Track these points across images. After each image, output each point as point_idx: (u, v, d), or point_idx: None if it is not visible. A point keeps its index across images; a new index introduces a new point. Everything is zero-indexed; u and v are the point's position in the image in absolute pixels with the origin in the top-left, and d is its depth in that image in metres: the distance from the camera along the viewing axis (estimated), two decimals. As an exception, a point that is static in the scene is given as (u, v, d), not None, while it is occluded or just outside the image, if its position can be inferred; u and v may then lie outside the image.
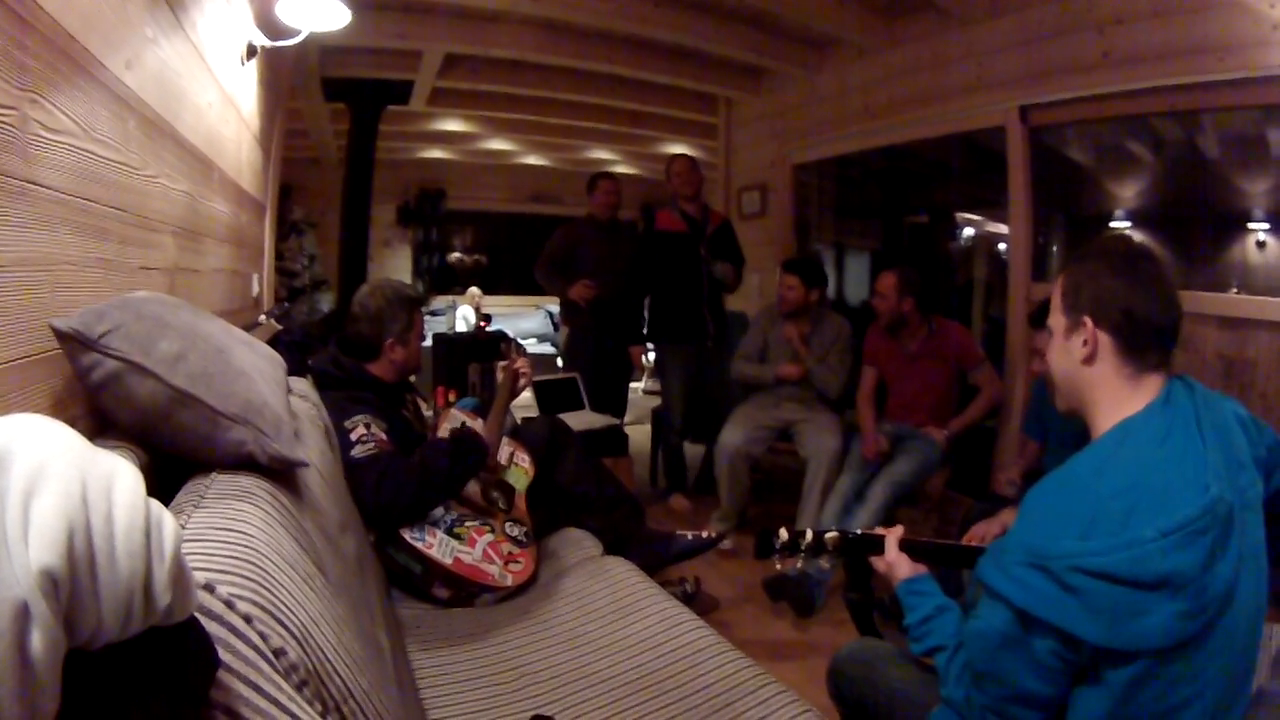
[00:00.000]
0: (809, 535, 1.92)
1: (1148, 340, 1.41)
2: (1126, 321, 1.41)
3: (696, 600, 3.56)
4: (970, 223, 6.99)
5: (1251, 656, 1.35)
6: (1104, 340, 1.44)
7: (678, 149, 8.55)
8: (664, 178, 5.35)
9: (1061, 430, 3.30)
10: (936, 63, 4.81)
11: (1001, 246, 5.32)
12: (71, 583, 0.59)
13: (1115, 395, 1.44)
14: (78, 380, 1.41)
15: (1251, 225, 3.97)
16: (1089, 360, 1.46)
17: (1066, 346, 1.51)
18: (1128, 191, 4.65)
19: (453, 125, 8.14)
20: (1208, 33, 3.32)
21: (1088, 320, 1.45)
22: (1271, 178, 3.85)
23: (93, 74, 1.52)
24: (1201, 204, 4.28)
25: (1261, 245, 3.93)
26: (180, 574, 0.73)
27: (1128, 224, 4.62)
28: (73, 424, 0.70)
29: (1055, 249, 4.86)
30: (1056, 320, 1.54)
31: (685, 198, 5.20)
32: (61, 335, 1.35)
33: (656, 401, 5.78)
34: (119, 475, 0.68)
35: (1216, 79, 3.35)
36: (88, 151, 1.49)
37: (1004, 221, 4.68)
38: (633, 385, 6.35)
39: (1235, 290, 3.78)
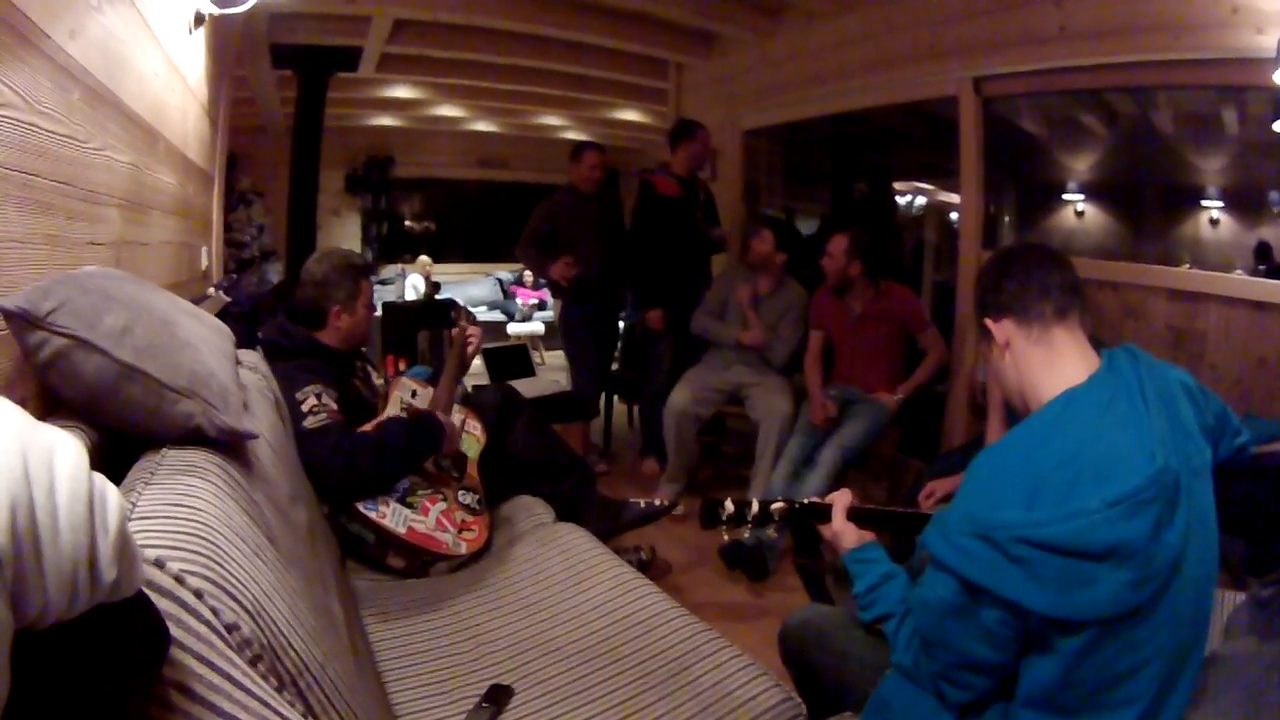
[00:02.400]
0: (754, 506, 1.92)
1: (1030, 296, 1.49)
2: (1008, 297, 1.52)
3: (651, 567, 3.57)
4: (920, 190, 7.03)
5: (1202, 622, 1.36)
6: (1005, 325, 1.52)
7: (628, 114, 8.56)
8: (672, 139, 5.27)
9: None
10: (890, 30, 4.78)
11: (953, 215, 5.36)
12: (15, 560, 0.58)
13: (1039, 362, 1.48)
14: (25, 360, 1.38)
15: (1205, 203, 4.02)
16: (1006, 349, 1.53)
17: (997, 361, 1.58)
18: (1080, 164, 4.69)
19: (401, 92, 8.04)
20: (1166, 11, 3.31)
21: (987, 321, 1.55)
22: (1225, 157, 3.90)
23: (35, 44, 1.48)
24: (1154, 179, 4.32)
25: (1215, 223, 3.99)
26: (125, 547, 0.72)
27: (1080, 196, 4.66)
28: (22, 405, 0.68)
29: (1006, 218, 4.91)
30: (986, 350, 1.62)
31: (693, 167, 5.21)
32: (8, 315, 1.32)
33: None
34: (60, 448, 0.67)
35: (1174, 58, 3.36)
36: (31, 125, 1.45)
37: (955, 190, 4.71)
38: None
39: (1188, 265, 3.84)
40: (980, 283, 1.60)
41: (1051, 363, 1.45)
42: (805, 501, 1.93)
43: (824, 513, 1.86)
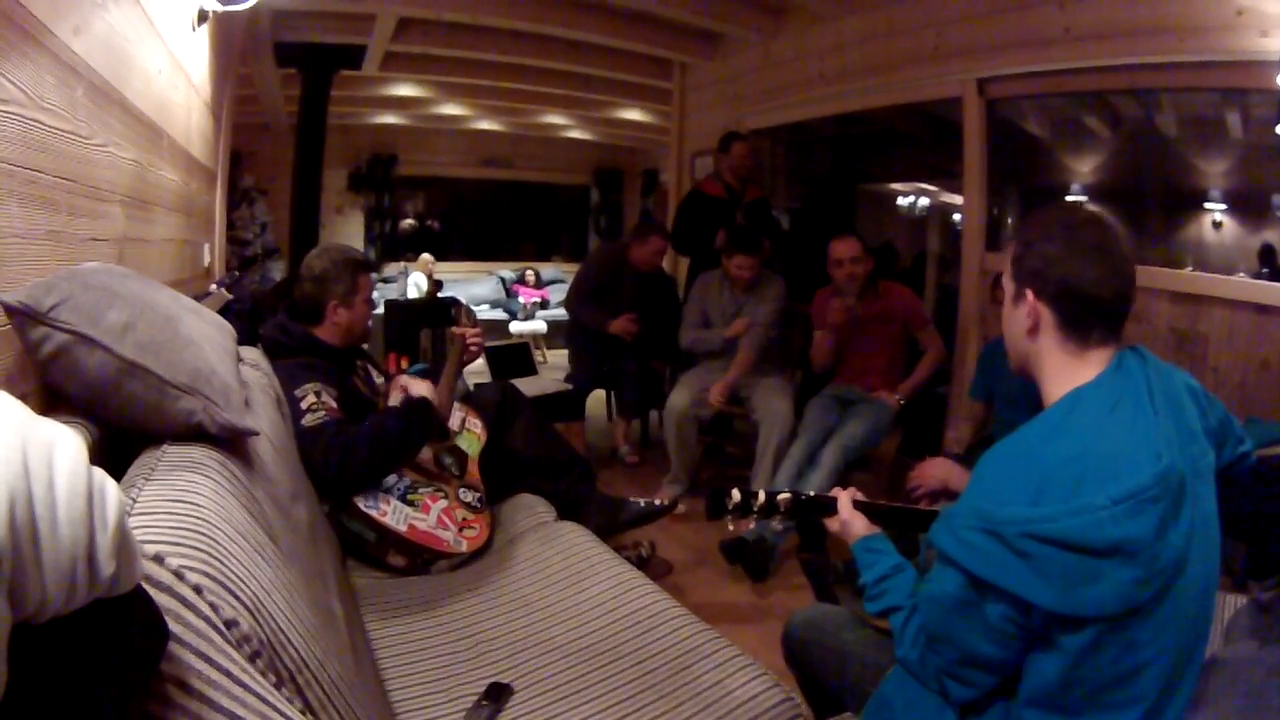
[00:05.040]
0: (761, 496, 1.91)
1: (1089, 316, 1.38)
2: (1065, 296, 1.39)
3: (650, 565, 3.57)
4: (923, 192, 7.03)
5: (1204, 625, 1.36)
6: (1045, 314, 1.42)
7: (632, 114, 8.58)
8: (719, 149, 5.48)
9: (1008, 393, 3.35)
10: (894, 31, 4.80)
11: (956, 217, 5.37)
12: (14, 553, 0.58)
13: (1060, 367, 1.42)
14: (27, 356, 1.39)
15: (1208, 205, 4.01)
16: (1033, 332, 1.45)
17: (1014, 313, 1.49)
18: (1084, 166, 4.69)
19: (405, 90, 8.07)
20: (1171, 13, 3.31)
21: (1029, 292, 1.44)
22: (1229, 160, 3.89)
23: (40, 41, 1.48)
24: (1158, 182, 4.31)
25: (1218, 225, 3.99)
26: (124, 542, 0.72)
27: (1084, 198, 4.66)
28: (24, 400, 0.69)
29: (1010, 220, 4.90)
30: (1007, 284, 1.52)
31: (739, 175, 5.38)
32: (10, 310, 1.33)
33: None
34: (60, 443, 0.67)
35: (1178, 60, 3.36)
36: (35, 121, 1.45)
37: (958, 192, 4.71)
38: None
39: (1190, 267, 3.83)
40: (1037, 245, 1.43)
41: (1074, 367, 1.41)
42: (811, 494, 1.93)
43: (829, 505, 1.85)
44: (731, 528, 1.99)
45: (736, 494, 1.91)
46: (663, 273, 5.67)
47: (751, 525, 1.95)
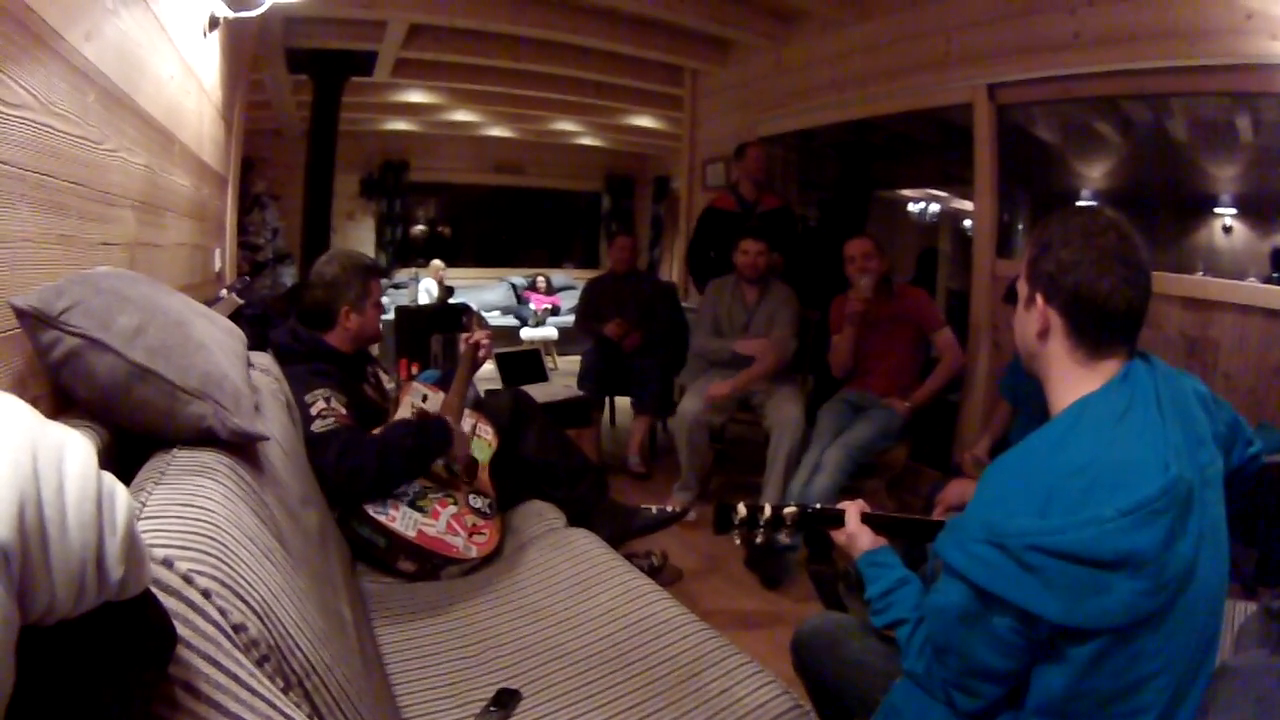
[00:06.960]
0: (767, 510, 1.91)
1: (1098, 326, 1.36)
2: (1075, 304, 1.36)
3: (662, 573, 3.56)
4: (934, 198, 7.01)
5: (1213, 633, 1.34)
6: (1055, 320, 1.40)
7: (643, 121, 8.60)
8: (735, 157, 5.59)
9: (1036, 399, 3.33)
10: (905, 37, 4.80)
11: (967, 223, 5.36)
12: (23, 556, 0.58)
13: (1068, 374, 1.40)
14: (38, 359, 1.39)
15: (1218, 210, 3.99)
16: (1042, 336, 1.43)
17: (1025, 316, 1.47)
18: (1095, 172, 4.67)
19: (416, 97, 8.09)
20: (1180, 18, 3.30)
21: (1039, 297, 1.42)
22: (1240, 164, 3.87)
23: (51, 46, 1.49)
24: (1168, 187, 4.29)
25: (1228, 230, 3.97)
26: (133, 546, 0.72)
27: (1094, 204, 4.64)
28: (34, 404, 0.69)
29: (1020, 226, 4.89)
30: (1021, 286, 1.49)
31: (754, 180, 5.42)
32: (21, 313, 1.33)
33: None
34: (69, 447, 0.67)
35: (1187, 64, 3.35)
36: (46, 126, 1.46)
37: (969, 197, 4.70)
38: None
39: (1201, 272, 3.82)
40: (1053, 249, 1.40)
41: (1082, 375, 1.39)
42: (818, 506, 1.92)
43: (837, 518, 1.84)
44: (738, 542, 1.98)
45: (743, 508, 1.91)
46: (654, 278, 5.76)
47: (759, 539, 1.92)
